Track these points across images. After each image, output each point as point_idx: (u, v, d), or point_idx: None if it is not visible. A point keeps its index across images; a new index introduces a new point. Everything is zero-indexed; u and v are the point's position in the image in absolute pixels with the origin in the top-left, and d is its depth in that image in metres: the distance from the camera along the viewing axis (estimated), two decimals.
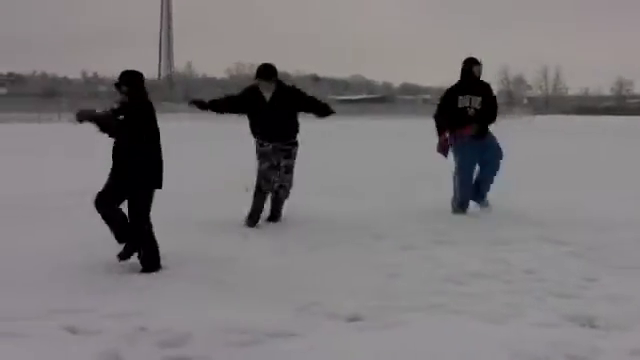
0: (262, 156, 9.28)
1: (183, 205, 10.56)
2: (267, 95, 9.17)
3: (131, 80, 7.09)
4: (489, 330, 5.17)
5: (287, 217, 9.62)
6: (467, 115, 10.08)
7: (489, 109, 10.20)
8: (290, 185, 9.45)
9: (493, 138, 10.29)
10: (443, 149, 10.34)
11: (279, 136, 9.24)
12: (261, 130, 9.27)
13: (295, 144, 9.43)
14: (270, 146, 9.22)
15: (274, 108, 9.16)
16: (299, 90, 9.56)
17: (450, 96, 10.23)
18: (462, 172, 10.19)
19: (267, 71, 9.19)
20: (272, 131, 9.21)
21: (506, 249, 7.87)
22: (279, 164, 9.25)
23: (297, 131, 9.45)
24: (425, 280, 6.57)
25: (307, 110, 9.40)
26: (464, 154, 10.14)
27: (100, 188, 6.99)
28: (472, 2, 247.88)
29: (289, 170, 9.38)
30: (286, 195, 9.49)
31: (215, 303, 5.80)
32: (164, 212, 10.16)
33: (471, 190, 10.28)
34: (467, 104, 10.11)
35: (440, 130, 10.29)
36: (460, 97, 10.14)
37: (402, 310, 5.63)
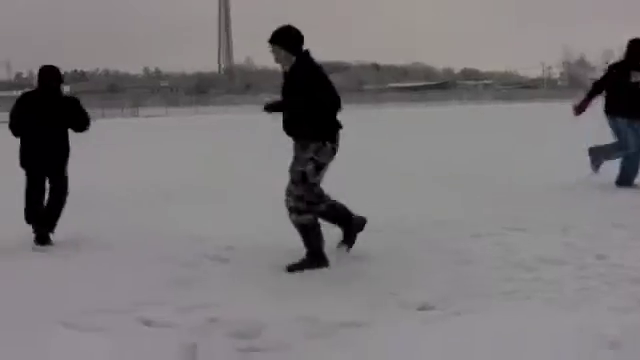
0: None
1: (262, 195, 10.59)
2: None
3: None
4: (563, 316, 5.10)
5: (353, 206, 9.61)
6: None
7: None
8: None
9: None
10: (580, 110, 11.27)
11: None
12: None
13: None
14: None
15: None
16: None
17: (620, 70, 11.01)
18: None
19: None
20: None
21: (577, 234, 7.74)
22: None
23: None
24: (496, 267, 6.52)
25: None
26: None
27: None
28: None
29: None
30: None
31: (289, 294, 5.84)
32: (244, 202, 10.32)
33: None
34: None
35: (591, 96, 11.20)
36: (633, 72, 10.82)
37: (473, 297, 5.60)
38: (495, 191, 11.00)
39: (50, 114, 7.86)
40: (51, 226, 7.95)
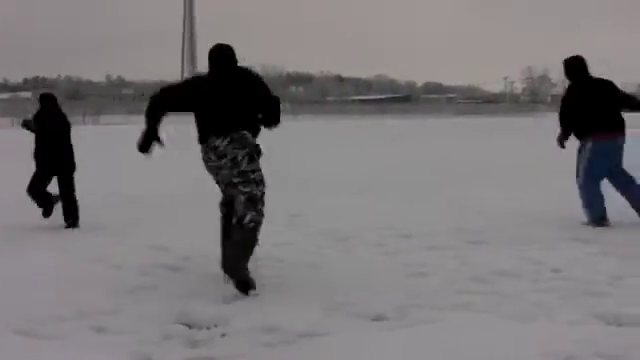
0: None
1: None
2: None
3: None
4: (517, 329, 5.09)
5: (312, 217, 9.61)
6: None
7: None
8: None
9: None
10: None
11: None
12: None
13: None
14: None
15: None
16: None
17: None
18: None
19: None
20: None
21: (534, 248, 7.79)
22: None
23: None
24: (451, 280, 6.53)
25: None
26: None
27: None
28: (495, 2, 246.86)
29: None
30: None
31: (244, 302, 5.82)
32: (203, 212, 10.24)
33: None
34: None
35: None
36: None
37: (428, 309, 5.60)
38: (457, 205, 11.05)
39: None
40: None
